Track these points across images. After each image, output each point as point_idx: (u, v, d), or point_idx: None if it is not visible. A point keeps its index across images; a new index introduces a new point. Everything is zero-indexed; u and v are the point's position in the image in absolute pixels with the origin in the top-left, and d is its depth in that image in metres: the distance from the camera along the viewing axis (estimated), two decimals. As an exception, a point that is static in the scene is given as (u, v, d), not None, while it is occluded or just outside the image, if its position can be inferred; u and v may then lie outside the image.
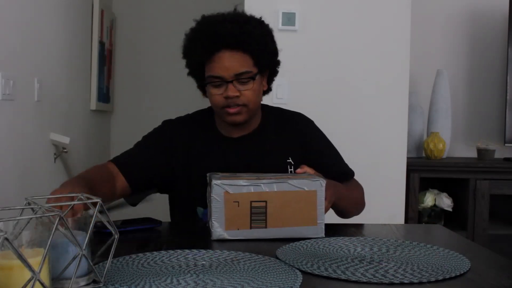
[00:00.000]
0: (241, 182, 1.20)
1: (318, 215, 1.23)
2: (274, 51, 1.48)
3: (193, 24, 1.46)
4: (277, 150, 1.48)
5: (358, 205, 1.54)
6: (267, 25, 1.47)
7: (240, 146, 1.48)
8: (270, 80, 1.52)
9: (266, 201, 1.21)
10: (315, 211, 1.23)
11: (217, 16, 1.43)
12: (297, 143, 1.52)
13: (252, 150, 1.48)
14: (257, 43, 1.40)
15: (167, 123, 1.55)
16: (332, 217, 1.73)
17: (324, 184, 1.24)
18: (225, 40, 1.37)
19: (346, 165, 1.58)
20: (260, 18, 1.47)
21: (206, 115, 1.55)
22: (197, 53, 1.41)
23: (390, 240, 1.21)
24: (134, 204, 1.52)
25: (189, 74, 1.49)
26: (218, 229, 1.20)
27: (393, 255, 1.09)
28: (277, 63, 1.50)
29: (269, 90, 1.53)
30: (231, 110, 1.41)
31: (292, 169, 1.47)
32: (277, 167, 1.45)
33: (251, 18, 1.44)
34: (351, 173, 1.57)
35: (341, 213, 1.50)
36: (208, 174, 1.33)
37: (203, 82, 1.46)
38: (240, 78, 1.39)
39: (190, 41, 1.44)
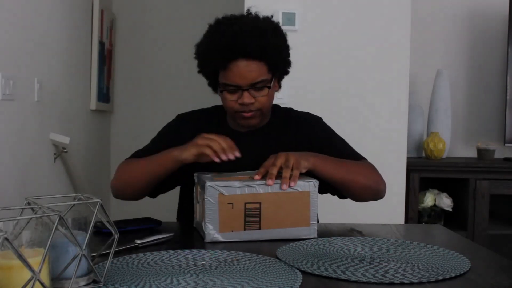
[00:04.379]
0: (236, 183, 1.19)
1: (311, 216, 1.23)
2: (287, 55, 1.49)
3: (205, 25, 1.44)
4: (283, 146, 1.48)
5: (362, 177, 1.43)
6: (281, 30, 1.47)
7: (247, 140, 1.49)
8: (280, 79, 1.53)
9: (260, 203, 1.20)
10: (308, 212, 1.23)
11: (233, 25, 1.41)
12: (304, 139, 1.52)
13: (259, 145, 1.49)
14: (273, 53, 1.41)
15: (179, 118, 1.59)
16: (332, 217, 1.73)
17: (317, 185, 1.24)
18: (242, 52, 1.37)
19: (355, 151, 1.55)
20: (275, 23, 1.47)
21: (219, 109, 1.56)
22: (212, 62, 1.41)
23: (390, 240, 1.21)
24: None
25: (199, 72, 1.49)
26: (212, 231, 1.19)
27: (393, 255, 1.09)
28: (289, 64, 1.51)
29: (279, 88, 1.54)
30: (246, 115, 1.43)
31: None
32: None
33: (268, 27, 1.43)
34: (359, 157, 1.53)
35: (345, 189, 1.43)
36: (195, 174, 1.32)
37: (215, 83, 1.47)
38: (255, 86, 1.40)
39: (205, 49, 1.43)
